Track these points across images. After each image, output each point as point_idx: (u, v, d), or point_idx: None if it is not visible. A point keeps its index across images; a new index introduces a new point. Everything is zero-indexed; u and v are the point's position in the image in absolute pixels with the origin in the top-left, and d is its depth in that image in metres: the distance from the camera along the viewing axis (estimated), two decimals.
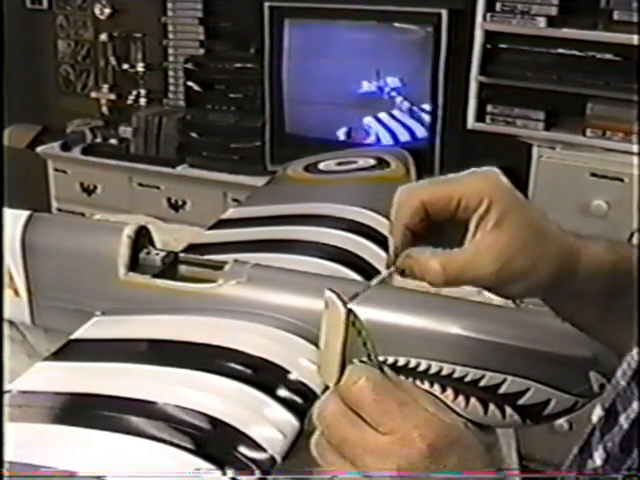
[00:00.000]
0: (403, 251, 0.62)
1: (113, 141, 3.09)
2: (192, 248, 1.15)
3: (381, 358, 0.56)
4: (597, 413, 0.55)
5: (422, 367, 0.87)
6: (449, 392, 0.87)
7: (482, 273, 0.60)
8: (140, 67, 3.10)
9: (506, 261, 0.59)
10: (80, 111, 3.25)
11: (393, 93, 2.61)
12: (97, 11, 3.14)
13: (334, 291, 0.56)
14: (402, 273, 0.63)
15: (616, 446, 0.51)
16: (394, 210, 0.63)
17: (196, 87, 2.87)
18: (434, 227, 0.62)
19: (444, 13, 2.40)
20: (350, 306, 0.55)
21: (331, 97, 2.68)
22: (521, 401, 0.85)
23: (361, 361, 0.55)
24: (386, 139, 2.64)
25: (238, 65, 2.80)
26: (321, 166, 1.43)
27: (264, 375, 0.84)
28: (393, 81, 2.61)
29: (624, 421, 0.51)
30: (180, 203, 2.90)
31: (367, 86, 2.64)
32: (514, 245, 0.59)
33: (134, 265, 1.01)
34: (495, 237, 0.59)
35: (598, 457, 0.53)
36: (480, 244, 0.60)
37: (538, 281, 0.61)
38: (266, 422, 0.77)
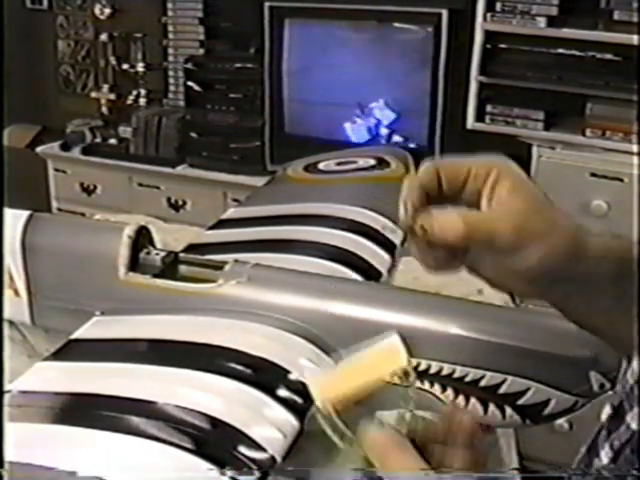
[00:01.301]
0: (418, 211, 0.62)
1: (113, 141, 3.08)
2: (192, 248, 1.15)
3: None
4: (606, 412, 0.55)
5: (422, 367, 0.87)
6: (449, 392, 0.87)
7: (502, 229, 0.59)
8: (140, 67, 3.09)
9: (523, 221, 0.59)
10: (80, 111, 3.25)
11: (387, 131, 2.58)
12: (97, 11, 3.14)
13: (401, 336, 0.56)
14: (412, 233, 0.62)
15: (623, 445, 0.51)
16: (411, 179, 0.63)
17: (196, 87, 2.87)
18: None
19: (444, 13, 2.40)
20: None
21: (331, 98, 2.68)
22: (521, 401, 0.85)
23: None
24: None
25: (238, 65, 2.80)
26: (321, 166, 1.42)
27: (264, 375, 0.84)
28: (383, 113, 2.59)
29: (630, 420, 0.51)
30: (180, 203, 2.90)
31: (352, 129, 2.61)
32: (530, 207, 0.59)
33: (134, 265, 1.01)
34: (512, 200, 0.59)
35: (605, 455, 0.52)
36: (498, 205, 0.60)
37: (552, 250, 0.59)
38: (266, 422, 0.77)
